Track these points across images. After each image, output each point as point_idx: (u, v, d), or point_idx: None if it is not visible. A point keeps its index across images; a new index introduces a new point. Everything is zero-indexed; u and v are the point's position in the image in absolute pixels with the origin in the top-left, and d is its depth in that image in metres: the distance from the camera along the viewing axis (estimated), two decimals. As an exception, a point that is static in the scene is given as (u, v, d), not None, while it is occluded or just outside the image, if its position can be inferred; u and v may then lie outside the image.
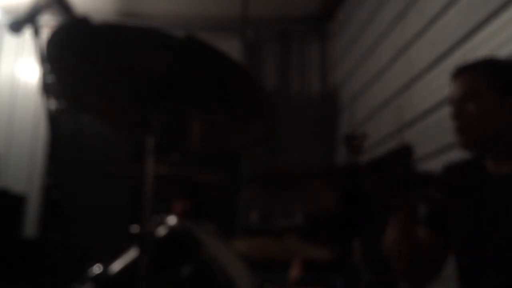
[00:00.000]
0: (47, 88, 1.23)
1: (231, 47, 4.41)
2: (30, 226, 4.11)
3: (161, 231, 1.38)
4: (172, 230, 1.38)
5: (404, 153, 1.35)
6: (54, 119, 1.18)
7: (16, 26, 1.24)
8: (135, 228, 1.24)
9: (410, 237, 1.54)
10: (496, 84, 1.51)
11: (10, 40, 4.59)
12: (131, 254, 1.35)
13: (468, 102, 1.52)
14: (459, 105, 1.54)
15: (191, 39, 1.07)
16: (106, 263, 1.34)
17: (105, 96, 1.32)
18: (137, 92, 1.28)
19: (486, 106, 1.50)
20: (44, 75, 1.21)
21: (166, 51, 1.14)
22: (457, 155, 1.72)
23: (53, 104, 1.18)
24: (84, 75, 1.25)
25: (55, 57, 1.18)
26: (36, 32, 1.23)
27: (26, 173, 4.38)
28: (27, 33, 1.26)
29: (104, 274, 1.31)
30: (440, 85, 2.52)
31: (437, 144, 2.51)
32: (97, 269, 1.32)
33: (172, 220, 1.41)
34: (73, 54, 1.18)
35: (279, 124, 1.31)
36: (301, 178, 1.41)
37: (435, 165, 2.38)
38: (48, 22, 1.25)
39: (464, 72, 1.57)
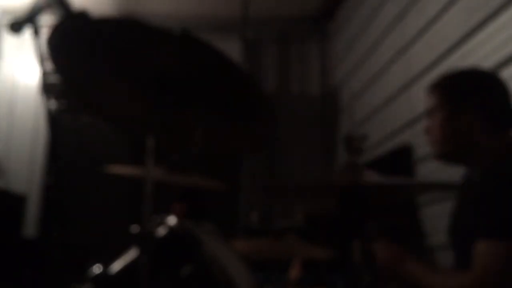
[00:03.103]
0: (47, 88, 1.23)
1: (231, 47, 4.40)
2: (30, 226, 4.11)
3: (161, 231, 1.38)
4: (172, 230, 1.38)
5: (404, 153, 1.35)
6: (54, 119, 1.18)
7: (16, 26, 1.24)
8: (135, 228, 1.25)
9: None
10: (451, 99, 1.59)
11: (10, 40, 4.58)
12: (131, 254, 1.35)
13: (429, 117, 1.64)
14: (426, 121, 1.66)
15: (187, 34, 1.08)
16: (106, 263, 1.34)
17: (105, 92, 1.32)
18: (136, 87, 1.28)
19: (440, 120, 1.59)
20: (44, 75, 1.21)
21: (163, 46, 1.15)
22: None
23: (53, 104, 1.19)
24: (84, 69, 1.25)
25: (55, 53, 1.19)
26: (36, 32, 1.23)
27: (26, 173, 4.38)
28: (27, 33, 1.26)
29: (104, 274, 1.31)
30: (440, 85, 2.52)
31: (437, 144, 2.51)
32: (97, 269, 1.32)
33: (172, 220, 1.41)
34: (72, 49, 1.19)
35: (278, 125, 1.31)
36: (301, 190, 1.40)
37: (434, 166, 2.38)
38: (48, 22, 1.25)
39: (428, 90, 1.67)
